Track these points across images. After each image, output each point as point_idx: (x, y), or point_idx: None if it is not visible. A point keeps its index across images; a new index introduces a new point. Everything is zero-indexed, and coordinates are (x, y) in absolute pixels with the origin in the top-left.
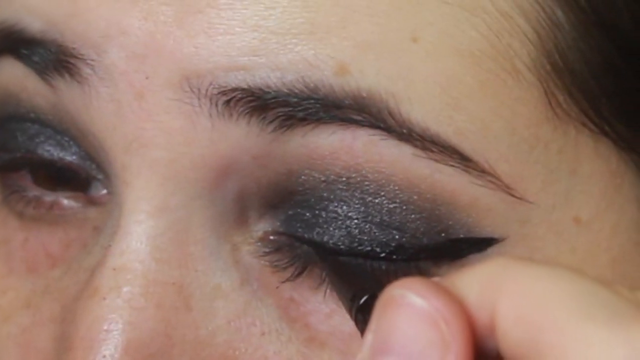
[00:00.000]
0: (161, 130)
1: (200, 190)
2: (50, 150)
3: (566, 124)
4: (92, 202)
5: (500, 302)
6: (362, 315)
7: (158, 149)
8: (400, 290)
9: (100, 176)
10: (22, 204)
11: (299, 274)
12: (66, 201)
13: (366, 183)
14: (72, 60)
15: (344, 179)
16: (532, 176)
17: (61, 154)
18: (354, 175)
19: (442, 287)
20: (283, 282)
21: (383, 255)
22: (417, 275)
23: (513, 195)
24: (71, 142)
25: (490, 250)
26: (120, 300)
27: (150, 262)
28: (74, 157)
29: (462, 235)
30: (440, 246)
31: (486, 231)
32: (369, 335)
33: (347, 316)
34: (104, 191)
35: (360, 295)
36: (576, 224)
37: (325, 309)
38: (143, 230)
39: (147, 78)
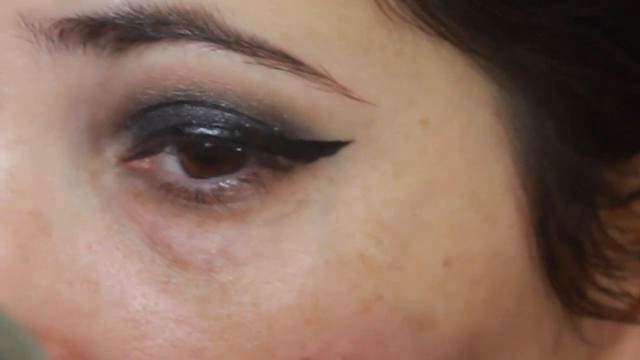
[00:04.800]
0: (7, 67)
1: (53, 122)
2: None
3: (401, 27)
4: None
5: None
6: None
7: (6, 85)
8: None
9: None
10: None
11: (161, 198)
12: None
13: (204, 97)
14: None
15: (182, 94)
16: (370, 79)
17: None
18: (192, 88)
19: None
20: (144, 204)
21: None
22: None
23: (351, 97)
24: None
25: (339, 153)
26: None
27: (6, 192)
28: None
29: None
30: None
31: (331, 135)
32: None
33: (208, 235)
34: None
35: None
36: (423, 126)
37: (185, 230)
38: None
39: None
